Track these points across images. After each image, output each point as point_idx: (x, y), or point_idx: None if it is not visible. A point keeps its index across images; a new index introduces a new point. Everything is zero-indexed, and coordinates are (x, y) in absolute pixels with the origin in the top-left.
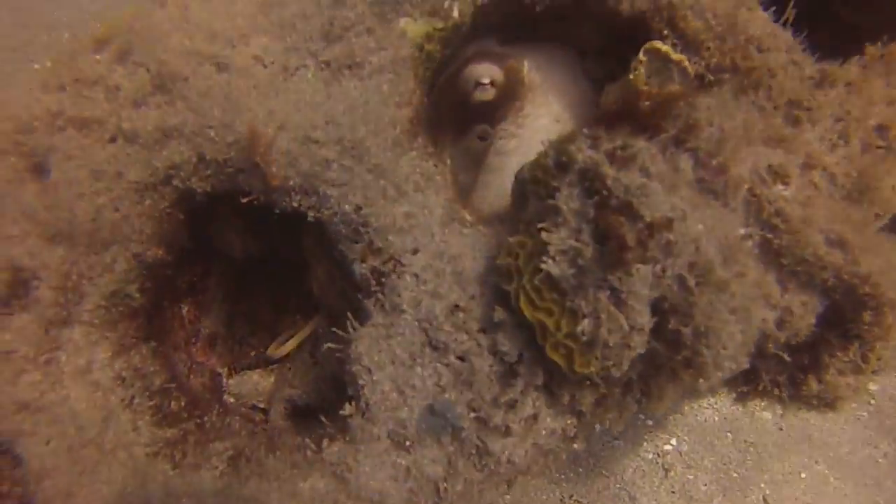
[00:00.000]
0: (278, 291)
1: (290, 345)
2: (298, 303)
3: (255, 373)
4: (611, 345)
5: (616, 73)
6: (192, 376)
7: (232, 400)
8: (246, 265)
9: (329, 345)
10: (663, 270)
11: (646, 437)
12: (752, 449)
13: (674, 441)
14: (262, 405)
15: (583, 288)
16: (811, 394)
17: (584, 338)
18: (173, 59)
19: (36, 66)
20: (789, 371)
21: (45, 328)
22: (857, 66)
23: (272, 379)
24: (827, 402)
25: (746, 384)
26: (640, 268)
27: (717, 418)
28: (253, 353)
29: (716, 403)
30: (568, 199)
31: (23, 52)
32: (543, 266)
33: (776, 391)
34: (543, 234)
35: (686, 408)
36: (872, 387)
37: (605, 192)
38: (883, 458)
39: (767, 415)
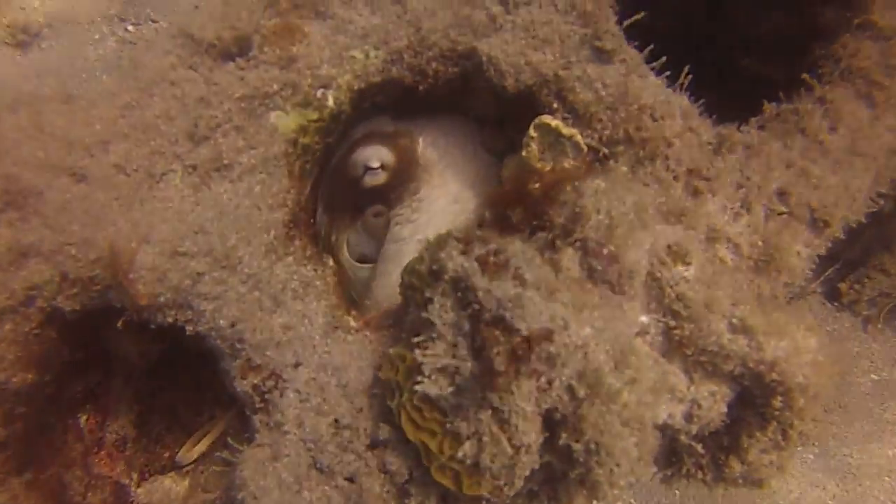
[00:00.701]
0: (195, 384)
1: (200, 447)
2: (217, 395)
3: (168, 477)
4: (496, 467)
5: (516, 143)
6: (89, 494)
7: None
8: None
9: (214, 468)
10: (549, 382)
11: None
12: None
13: None
14: None
15: (463, 408)
16: (734, 475)
17: (468, 461)
18: (26, 173)
19: None
20: (711, 453)
21: None
22: (754, 127)
23: (186, 483)
24: (752, 482)
25: (670, 467)
26: (523, 383)
27: (661, 476)
28: (167, 454)
29: None
30: (441, 311)
31: None
32: (419, 386)
33: (700, 474)
34: (417, 353)
35: None
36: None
37: (476, 306)
38: (832, 500)
39: None
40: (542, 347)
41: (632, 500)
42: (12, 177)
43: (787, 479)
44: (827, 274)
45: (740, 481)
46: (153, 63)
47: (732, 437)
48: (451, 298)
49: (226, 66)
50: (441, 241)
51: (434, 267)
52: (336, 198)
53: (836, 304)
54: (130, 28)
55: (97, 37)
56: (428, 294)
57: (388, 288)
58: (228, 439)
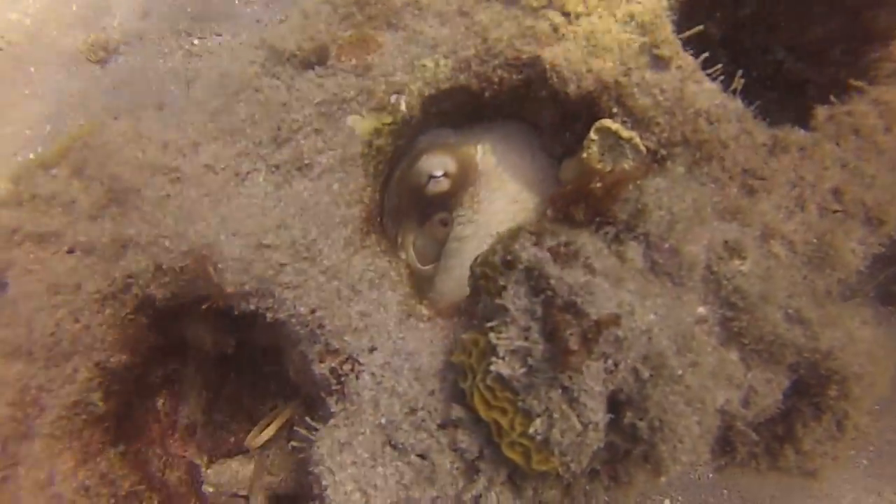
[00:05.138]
0: (258, 376)
1: (268, 433)
2: (278, 386)
3: (235, 460)
4: (565, 443)
5: (573, 146)
6: (167, 471)
7: (211, 490)
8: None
9: (293, 443)
10: (616, 364)
11: (637, 500)
12: None
13: (667, 502)
14: (242, 493)
15: (534, 387)
16: (789, 464)
17: (539, 437)
18: (127, 172)
19: None
20: (765, 442)
21: (3, 444)
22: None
23: (252, 466)
24: (807, 472)
25: (724, 456)
26: (591, 364)
27: (711, 475)
28: (233, 439)
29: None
30: (514, 297)
31: None
32: (493, 367)
33: (753, 462)
34: (491, 335)
35: None
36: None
37: (549, 292)
38: None
39: None
40: (610, 331)
41: (679, 497)
42: (116, 176)
43: (841, 484)
44: (881, 277)
45: (794, 471)
46: (239, 72)
47: (787, 426)
48: (524, 286)
49: (306, 75)
50: (514, 234)
51: (508, 257)
52: (402, 202)
53: (889, 307)
54: (196, 42)
55: (167, 51)
56: (501, 282)
57: (450, 282)
58: (295, 426)
